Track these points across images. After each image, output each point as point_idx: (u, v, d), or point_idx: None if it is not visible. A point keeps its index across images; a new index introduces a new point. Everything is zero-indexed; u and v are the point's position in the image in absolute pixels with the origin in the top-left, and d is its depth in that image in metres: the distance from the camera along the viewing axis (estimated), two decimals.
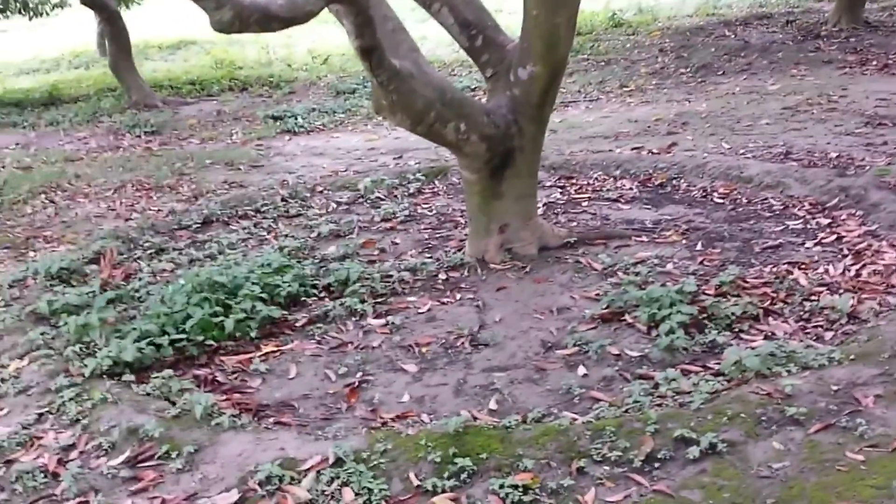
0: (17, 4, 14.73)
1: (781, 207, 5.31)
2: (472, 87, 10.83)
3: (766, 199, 5.48)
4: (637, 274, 4.35)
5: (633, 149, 7.04)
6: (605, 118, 8.71)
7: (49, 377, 3.69)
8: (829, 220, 4.97)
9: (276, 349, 3.99)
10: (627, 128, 8.05)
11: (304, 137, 9.32)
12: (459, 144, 4.42)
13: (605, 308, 4.02)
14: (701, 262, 4.53)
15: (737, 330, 3.73)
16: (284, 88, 12.73)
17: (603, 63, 11.92)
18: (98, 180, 7.67)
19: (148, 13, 18.57)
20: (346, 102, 11.04)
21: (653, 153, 6.79)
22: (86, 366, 3.68)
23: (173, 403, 3.40)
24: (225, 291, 4.27)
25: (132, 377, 3.66)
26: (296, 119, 10.08)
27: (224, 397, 3.51)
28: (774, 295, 4.00)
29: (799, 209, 5.23)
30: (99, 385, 3.56)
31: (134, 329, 3.92)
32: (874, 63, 9.89)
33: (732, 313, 3.79)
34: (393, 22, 4.37)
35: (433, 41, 14.15)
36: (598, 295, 4.20)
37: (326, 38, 15.87)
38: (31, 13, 15.20)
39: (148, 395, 3.52)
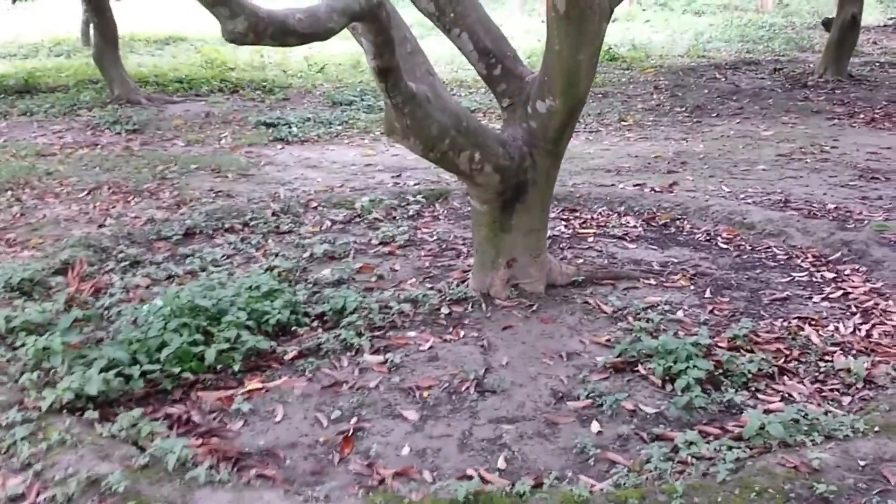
0: None
1: (785, 257, 5.24)
2: (473, 108, 10.67)
3: (769, 247, 5.42)
4: (648, 320, 4.18)
5: (635, 185, 6.92)
6: (605, 150, 8.61)
7: (0, 410, 3.29)
8: (833, 275, 4.90)
9: (261, 386, 3.66)
10: (628, 162, 7.95)
11: (298, 147, 9.00)
12: (472, 174, 4.20)
13: (618, 357, 3.83)
14: (711, 311, 4.39)
15: (753, 389, 3.58)
16: (278, 94, 12.37)
17: (601, 95, 11.90)
18: (71, 179, 7.29)
19: (138, 4, 18.16)
20: (342, 114, 10.71)
21: (655, 191, 6.70)
22: (44, 398, 3.29)
23: (142, 450, 3.04)
24: (207, 317, 3.94)
25: (96, 414, 3.28)
26: (290, 127, 9.74)
27: (200, 442, 3.16)
28: (788, 352, 3.89)
29: (803, 261, 5.17)
30: (57, 422, 3.18)
31: (101, 356, 3.56)
32: (861, 116, 10.06)
33: (748, 370, 3.64)
34: (411, 44, 4.16)
35: (432, 58, 14.04)
36: (609, 341, 4.02)
37: (323, 46, 15.61)
38: None
39: (113, 437, 3.14)
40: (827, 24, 13.69)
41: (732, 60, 15.16)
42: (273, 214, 6.10)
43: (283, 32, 2.93)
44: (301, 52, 15.14)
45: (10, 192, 6.86)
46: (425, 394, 3.60)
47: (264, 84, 13.06)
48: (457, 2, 4.32)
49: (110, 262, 5.18)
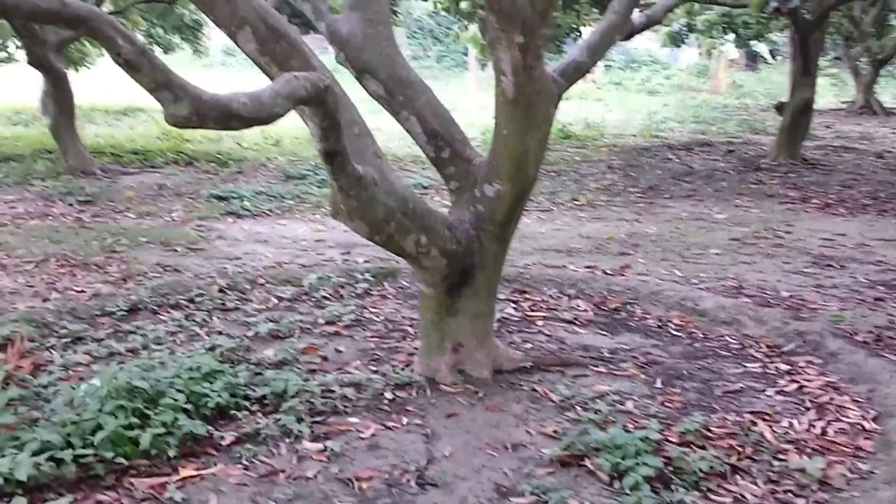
0: None
1: (738, 347, 5.16)
2: (426, 184, 10.70)
3: (722, 335, 5.34)
4: (597, 411, 4.07)
5: (587, 267, 6.91)
6: (557, 231, 8.62)
7: None
8: (787, 367, 4.81)
9: (196, 473, 3.50)
10: (580, 243, 7.95)
11: (249, 221, 8.93)
12: (418, 257, 4.15)
13: (565, 450, 3.71)
14: (662, 403, 4.29)
15: (704, 489, 3.45)
16: (232, 167, 12.33)
17: (554, 174, 11.98)
18: (19, 251, 7.14)
19: (97, 75, 18.15)
20: (295, 188, 10.69)
21: (607, 273, 6.67)
22: None
23: None
24: (144, 398, 3.79)
25: (24, 500, 3.14)
26: (242, 201, 9.67)
27: None
28: (741, 449, 3.76)
29: (756, 350, 5.09)
30: None
31: (34, 438, 3.42)
32: (815, 201, 10.13)
33: (700, 469, 3.52)
34: (359, 126, 4.16)
35: (386, 133, 14.12)
36: (555, 432, 3.90)
37: (279, 120, 15.62)
38: None
39: None
40: (780, 107, 13.89)
41: (686, 141, 15.36)
42: (219, 291, 5.98)
43: (227, 117, 2.89)
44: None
45: None
46: (364, 485, 3.47)
47: (219, 156, 13.03)
48: (406, 85, 4.34)
49: (52, 338, 5.02)
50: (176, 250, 7.45)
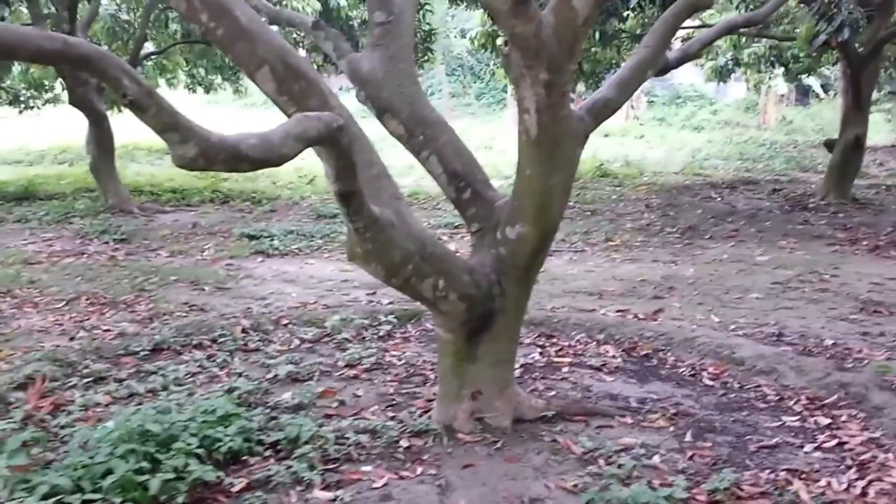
0: (8, 96, 14.62)
1: (776, 399, 4.89)
2: (456, 224, 10.61)
3: (759, 385, 5.07)
4: (620, 465, 3.87)
5: (617, 311, 6.71)
6: (589, 272, 8.42)
7: None
8: (828, 420, 4.53)
9: None
10: (612, 286, 7.74)
11: (278, 261, 8.93)
12: (436, 302, 4.04)
13: None
14: (691, 458, 4.06)
15: None
16: (266, 206, 12.46)
17: (589, 213, 11.81)
18: (52, 289, 7.20)
19: None
20: (325, 227, 10.71)
21: (639, 318, 6.46)
22: None
23: None
24: (157, 442, 3.74)
25: None
26: (272, 240, 9.72)
27: None
28: None
29: (795, 403, 4.80)
30: None
31: (45, 481, 3.38)
32: (865, 243, 9.72)
33: None
34: (378, 167, 4.07)
35: (419, 171, 14.07)
36: (575, 486, 3.72)
37: (316, 158, 15.70)
38: (22, 106, 15.10)
39: None
40: (829, 145, 13.49)
41: (730, 179, 15.01)
42: (242, 331, 5.94)
43: (235, 158, 2.84)
44: (293, 163, 15.24)
45: None
46: None
47: (254, 195, 13.18)
48: (426, 125, 4.26)
49: (74, 377, 5.00)
50: (204, 289, 7.45)
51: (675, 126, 26.01)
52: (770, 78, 20.12)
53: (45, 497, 3.29)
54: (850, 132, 12.51)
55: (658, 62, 4.49)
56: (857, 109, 12.58)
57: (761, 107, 27.55)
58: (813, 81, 26.78)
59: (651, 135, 23.26)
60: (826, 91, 29.08)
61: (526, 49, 3.52)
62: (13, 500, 3.26)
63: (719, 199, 12.94)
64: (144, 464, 3.57)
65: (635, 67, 4.47)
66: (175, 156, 2.78)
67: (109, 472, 3.48)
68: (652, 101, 28.80)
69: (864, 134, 12.65)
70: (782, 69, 17.77)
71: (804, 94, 30.67)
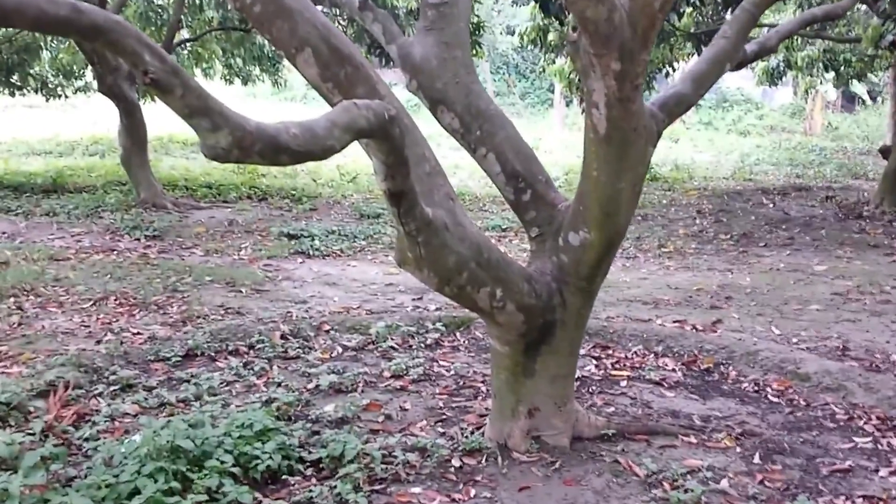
0: (36, 83, 14.47)
1: (846, 418, 4.62)
2: (504, 226, 10.30)
3: (826, 403, 4.80)
4: (687, 490, 3.60)
5: (675, 321, 6.39)
6: (643, 280, 8.12)
7: None
8: None
9: None
10: (668, 294, 7.44)
11: (319, 262, 8.65)
12: (493, 312, 3.72)
13: None
14: (761, 482, 3.79)
15: None
16: (306, 204, 12.17)
17: (640, 218, 11.48)
18: (79, 287, 6.95)
19: None
20: (369, 227, 10.43)
21: (697, 330, 6.15)
22: None
23: None
24: (188, 460, 3.50)
25: None
26: (312, 240, 9.43)
27: None
28: None
29: (866, 423, 4.54)
30: None
31: (64, 502, 3.13)
32: None
33: None
34: (430, 164, 3.74)
35: (466, 170, 13.81)
36: None
37: (358, 155, 15.51)
38: (49, 94, 14.91)
39: None
40: (885, 151, 13.17)
41: (781, 185, 14.75)
42: (282, 337, 5.68)
43: (274, 150, 2.51)
44: (334, 160, 14.99)
45: (13, 299, 6.52)
46: None
47: (293, 192, 12.90)
48: (484, 119, 3.94)
49: (100, 384, 4.76)
50: (241, 291, 7.19)
51: (722, 130, 25.64)
52: (821, 83, 19.66)
53: None
54: None
55: (737, 54, 4.13)
56: None
57: (808, 112, 27.02)
58: (859, 88, 26.24)
59: (699, 139, 22.85)
60: (873, 98, 28.49)
61: (596, 35, 3.18)
62: None
63: (772, 205, 12.67)
64: (175, 483, 3.34)
65: (713, 60, 4.11)
66: (205, 145, 2.44)
67: (136, 492, 3.26)
68: (699, 105, 28.39)
69: None
70: (833, 74, 17.35)
71: (850, 100, 30.15)
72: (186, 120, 2.43)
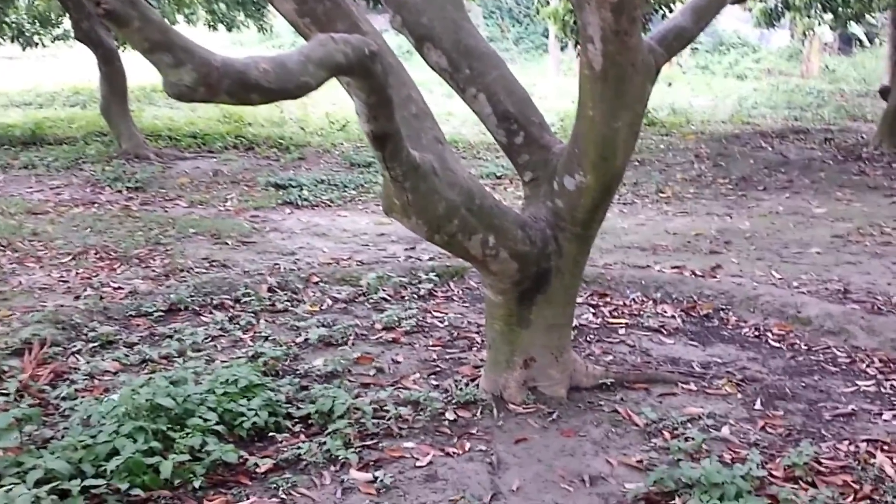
0: (12, 31, 14.10)
1: (848, 361, 4.56)
2: (499, 174, 10.12)
3: (828, 347, 4.75)
4: (688, 438, 3.53)
5: (673, 267, 6.30)
6: (640, 226, 8.00)
7: None
8: None
9: None
10: (666, 240, 7.33)
11: (308, 212, 8.49)
12: (486, 261, 3.58)
13: (652, 486, 3.16)
14: (763, 428, 3.73)
15: None
16: (294, 153, 11.95)
17: (637, 163, 11.32)
18: (58, 241, 6.80)
19: None
20: (359, 176, 10.23)
21: (696, 275, 6.06)
22: None
23: None
24: (169, 418, 3.39)
25: None
26: (301, 190, 9.25)
27: None
28: (857, 487, 3.20)
29: (868, 366, 4.49)
30: None
31: (39, 465, 3.00)
32: None
33: None
34: (417, 105, 3.56)
35: (459, 118, 13.57)
36: (640, 462, 3.38)
37: (347, 102, 15.26)
38: (25, 43, 14.53)
39: None
40: (884, 91, 13.01)
41: (779, 128, 14.59)
42: (269, 290, 5.54)
43: (243, 87, 2.32)
44: (323, 107, 14.76)
45: None
46: None
47: (281, 141, 12.69)
48: (473, 57, 3.74)
49: (79, 341, 4.63)
50: (226, 243, 7.03)
51: (719, 74, 25.31)
52: (819, 24, 19.31)
53: (38, 483, 2.93)
54: None
55: None
56: None
57: (804, 55, 26.65)
58: (857, 30, 25.89)
59: (696, 82, 22.56)
60: (870, 40, 28.14)
61: None
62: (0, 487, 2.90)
63: (770, 148, 12.54)
64: (155, 443, 3.25)
65: None
66: (168, 83, 2.25)
67: (115, 453, 3.15)
68: (695, 49, 28.00)
69: None
70: (831, 15, 17.03)
71: (847, 42, 29.79)
72: (147, 56, 2.24)
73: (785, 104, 18.09)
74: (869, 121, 15.18)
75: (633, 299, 5.56)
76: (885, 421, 3.81)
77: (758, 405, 3.97)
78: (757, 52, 28.78)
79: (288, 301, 5.40)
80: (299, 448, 3.42)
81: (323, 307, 5.35)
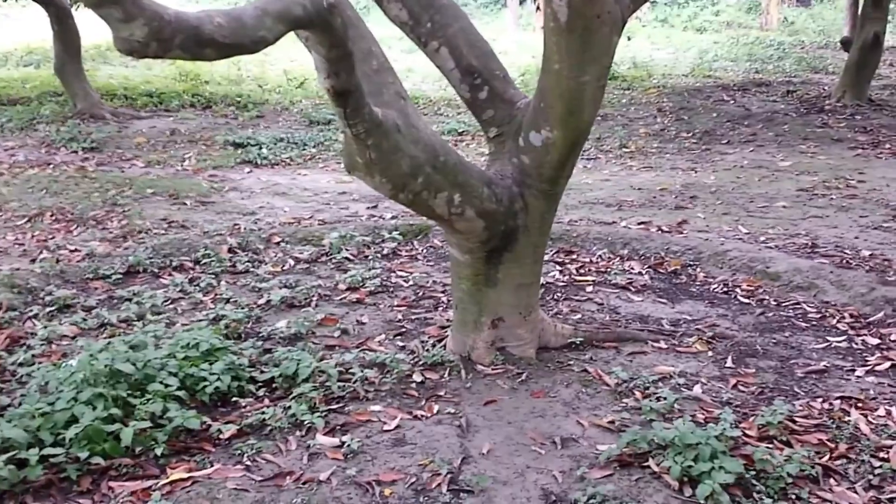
0: None
1: (818, 316, 4.53)
2: (461, 130, 10.00)
3: (798, 303, 4.71)
4: (660, 398, 3.48)
5: (639, 223, 6.26)
6: (605, 181, 7.96)
7: None
8: (877, 340, 4.19)
9: (187, 476, 2.98)
10: (631, 196, 7.29)
11: (267, 171, 8.36)
12: (451, 219, 3.49)
13: (625, 447, 3.11)
14: (735, 386, 3.70)
15: (793, 497, 2.87)
16: (252, 111, 11.77)
17: (600, 118, 11.24)
18: (12, 204, 6.65)
19: None
20: (319, 134, 10.09)
21: (663, 231, 6.02)
22: None
23: None
24: (129, 384, 3.31)
25: None
26: (260, 149, 9.11)
27: None
28: (833, 446, 3.17)
29: (839, 321, 4.46)
30: None
31: None
32: (888, 146, 9.33)
33: (787, 472, 2.93)
34: (378, 60, 3.44)
35: (419, 74, 13.40)
36: (612, 424, 3.34)
37: (305, 59, 15.05)
38: None
39: None
40: (846, 43, 12.99)
41: (741, 81, 14.56)
42: (229, 251, 5.45)
43: (197, 42, 2.22)
44: (281, 64, 14.52)
45: None
46: (386, 492, 2.91)
47: (239, 99, 12.51)
48: (435, 9, 3.64)
49: (35, 306, 4.53)
50: (185, 203, 6.92)
51: (678, 27, 25.17)
52: None
53: None
54: (868, 30, 11.88)
55: None
56: (876, 6, 11.90)
57: (763, 7, 26.65)
58: None
59: (655, 36, 22.44)
60: None
61: None
62: None
63: (732, 101, 12.50)
64: (115, 410, 3.17)
65: None
66: (118, 38, 2.15)
67: (73, 420, 3.07)
68: (654, 2, 27.86)
69: (882, 32, 12.05)
70: None
71: None
72: (95, 10, 2.13)
73: (745, 57, 18.07)
74: (830, 73, 15.18)
75: (600, 256, 5.51)
76: (858, 377, 3.80)
77: (729, 363, 3.94)
78: (716, 4, 28.72)
79: (249, 262, 5.31)
80: (264, 413, 3.35)
81: (285, 268, 5.26)
